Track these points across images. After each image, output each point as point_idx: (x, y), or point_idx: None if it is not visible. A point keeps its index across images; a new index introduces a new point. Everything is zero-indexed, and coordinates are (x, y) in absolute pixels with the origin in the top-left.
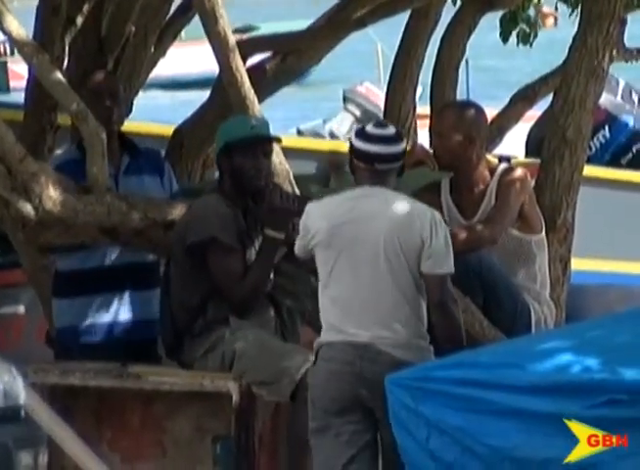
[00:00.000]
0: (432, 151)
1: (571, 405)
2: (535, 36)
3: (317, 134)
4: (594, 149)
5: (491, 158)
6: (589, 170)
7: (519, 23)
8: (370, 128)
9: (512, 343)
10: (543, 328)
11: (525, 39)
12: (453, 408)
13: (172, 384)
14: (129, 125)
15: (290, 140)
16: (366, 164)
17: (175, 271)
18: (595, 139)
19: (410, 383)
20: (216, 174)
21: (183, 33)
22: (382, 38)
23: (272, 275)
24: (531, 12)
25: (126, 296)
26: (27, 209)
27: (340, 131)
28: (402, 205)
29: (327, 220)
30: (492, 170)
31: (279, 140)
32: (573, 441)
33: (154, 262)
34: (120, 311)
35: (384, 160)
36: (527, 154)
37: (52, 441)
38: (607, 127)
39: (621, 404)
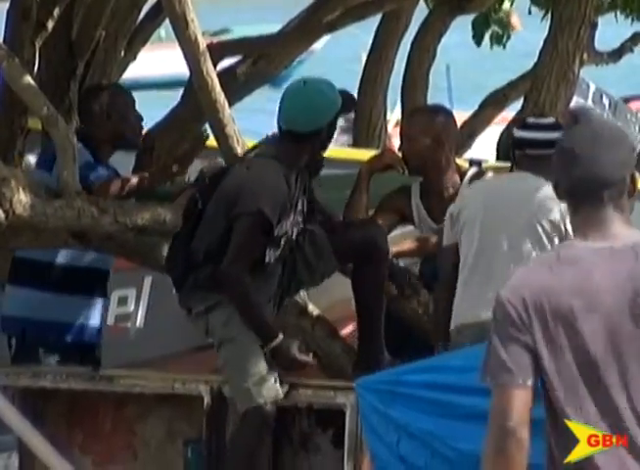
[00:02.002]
0: (401, 155)
1: (542, 409)
2: (508, 38)
3: None
4: None
5: (462, 161)
6: None
7: (491, 25)
8: (532, 120)
9: (482, 347)
10: None
11: (499, 41)
12: (423, 412)
13: (143, 387)
14: None
15: None
16: (530, 151)
17: (212, 219)
18: None
19: (380, 387)
20: (187, 177)
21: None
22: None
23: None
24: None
25: (72, 298)
26: None
27: None
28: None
29: (480, 202)
30: (462, 174)
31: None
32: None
33: (107, 271)
34: (67, 313)
35: (547, 145)
36: (499, 158)
37: (23, 444)
38: None
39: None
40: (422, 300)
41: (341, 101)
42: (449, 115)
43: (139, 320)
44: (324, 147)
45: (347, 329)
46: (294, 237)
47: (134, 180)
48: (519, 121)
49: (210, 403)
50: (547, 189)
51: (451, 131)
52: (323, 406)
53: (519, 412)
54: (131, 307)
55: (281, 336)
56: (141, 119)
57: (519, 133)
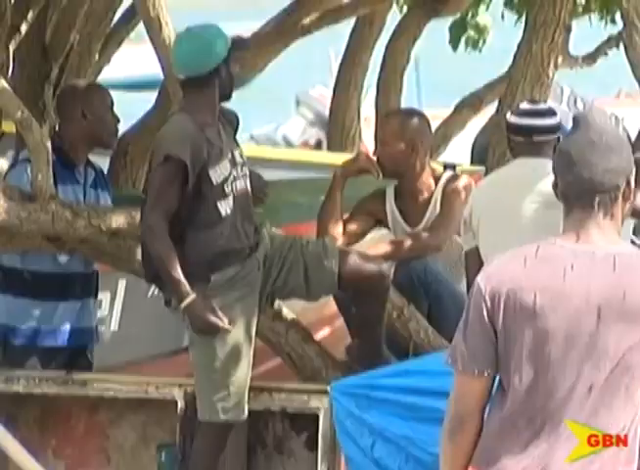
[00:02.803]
0: (375, 159)
1: None
2: (484, 42)
3: (270, 139)
4: None
5: (436, 165)
6: None
7: (467, 29)
8: (526, 105)
9: None
10: None
11: (475, 45)
12: (398, 416)
13: (117, 391)
14: None
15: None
16: (524, 138)
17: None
18: None
19: (355, 391)
20: None
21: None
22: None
23: None
24: (479, 19)
25: (65, 303)
26: None
27: (293, 135)
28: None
29: (488, 196)
30: (437, 178)
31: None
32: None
33: (94, 272)
34: (59, 318)
35: (542, 131)
36: (472, 161)
37: None
38: None
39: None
40: (396, 303)
41: (229, 39)
42: (423, 118)
43: (113, 324)
44: (227, 89)
45: (322, 333)
46: (236, 186)
47: None
48: (515, 109)
49: (184, 408)
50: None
51: (425, 135)
52: (297, 410)
53: (474, 401)
54: (105, 311)
55: (193, 295)
56: (118, 121)
57: (521, 120)
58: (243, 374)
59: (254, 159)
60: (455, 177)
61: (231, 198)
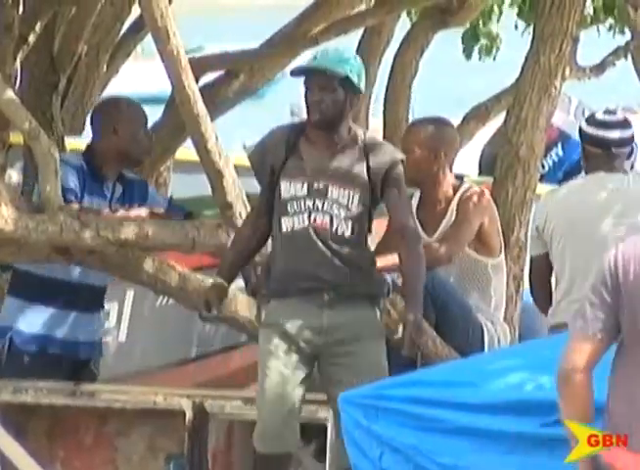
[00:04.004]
0: None
1: (525, 424)
2: (497, 50)
3: None
4: (547, 167)
5: None
6: (542, 189)
7: (480, 38)
8: (604, 116)
9: (465, 361)
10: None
11: (488, 53)
12: (406, 427)
13: (125, 402)
14: (82, 144)
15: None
16: (602, 150)
17: None
18: (548, 157)
19: (363, 401)
20: (168, 193)
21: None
22: None
23: None
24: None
25: (74, 314)
26: None
27: None
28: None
29: (565, 209)
30: (456, 189)
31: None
32: (528, 458)
33: (104, 286)
34: (67, 328)
35: (620, 144)
36: (480, 172)
37: (5, 458)
38: (559, 146)
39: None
40: (402, 313)
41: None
42: (450, 128)
43: (121, 334)
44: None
45: None
46: (311, 221)
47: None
48: (591, 119)
49: (192, 418)
50: (631, 187)
51: (449, 145)
52: (305, 420)
53: (580, 359)
54: (113, 322)
55: (219, 280)
56: (150, 139)
57: (599, 132)
58: None
59: (245, 168)
60: (474, 192)
61: (294, 222)
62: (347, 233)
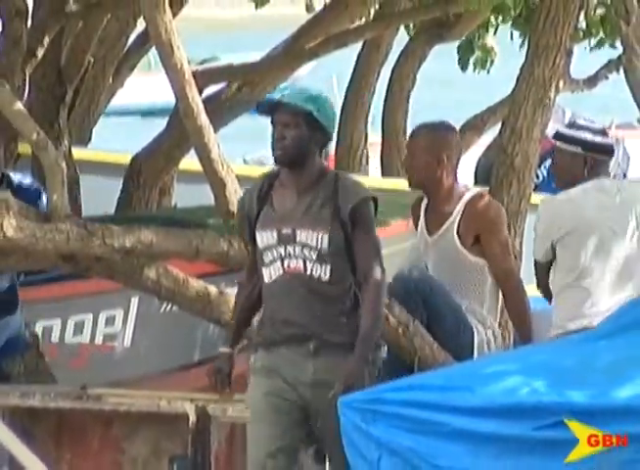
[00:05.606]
0: (405, 169)
1: (520, 427)
2: (492, 63)
3: (263, 164)
4: (541, 177)
5: None
6: (536, 198)
7: (475, 50)
8: (595, 125)
9: (461, 366)
10: (486, 351)
11: (483, 65)
12: (404, 430)
13: (130, 405)
14: (88, 154)
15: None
16: (604, 157)
17: None
18: (542, 167)
19: (362, 405)
20: (172, 202)
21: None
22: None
23: None
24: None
25: None
26: None
27: None
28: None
29: (573, 213)
30: (461, 194)
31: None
32: (522, 460)
33: (12, 287)
34: None
35: (612, 151)
36: (476, 182)
37: (14, 460)
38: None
39: (568, 426)
40: (401, 319)
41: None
42: (453, 133)
43: (126, 339)
44: None
45: None
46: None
47: None
48: (591, 128)
49: (195, 421)
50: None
51: (452, 150)
52: None
53: None
54: (118, 327)
55: (224, 349)
56: None
57: (605, 140)
58: None
59: (247, 178)
60: (480, 196)
61: (270, 272)
62: (325, 277)
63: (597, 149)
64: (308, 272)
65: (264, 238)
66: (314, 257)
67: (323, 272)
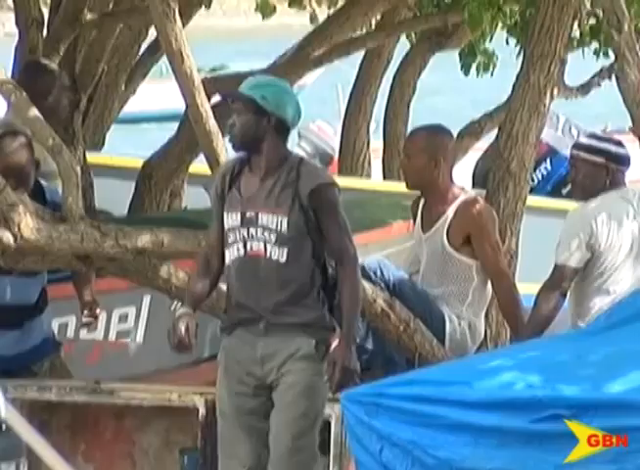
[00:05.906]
0: (402, 170)
1: (515, 420)
2: (494, 67)
3: None
4: (537, 180)
5: None
6: (532, 201)
7: (477, 55)
8: (612, 136)
9: (460, 362)
10: (461, 341)
11: (486, 68)
12: (405, 423)
13: (142, 399)
14: (102, 158)
15: None
16: (624, 167)
17: None
18: (537, 171)
19: (364, 399)
20: (183, 204)
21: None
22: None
23: None
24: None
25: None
26: (7, 237)
27: None
28: None
29: (613, 221)
30: (454, 197)
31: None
32: (518, 451)
33: (38, 301)
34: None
35: (630, 162)
36: (474, 185)
37: (31, 451)
38: (548, 160)
39: (562, 419)
40: (402, 317)
41: None
42: (448, 135)
43: (138, 336)
44: None
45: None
46: (246, 248)
47: None
48: (611, 139)
49: (205, 414)
50: None
51: (448, 152)
52: None
53: None
54: (131, 324)
55: (183, 309)
56: None
57: (625, 150)
58: None
59: None
60: (472, 201)
61: (233, 255)
62: (282, 259)
63: (619, 159)
64: (268, 255)
65: (229, 220)
66: (274, 239)
67: (280, 255)
